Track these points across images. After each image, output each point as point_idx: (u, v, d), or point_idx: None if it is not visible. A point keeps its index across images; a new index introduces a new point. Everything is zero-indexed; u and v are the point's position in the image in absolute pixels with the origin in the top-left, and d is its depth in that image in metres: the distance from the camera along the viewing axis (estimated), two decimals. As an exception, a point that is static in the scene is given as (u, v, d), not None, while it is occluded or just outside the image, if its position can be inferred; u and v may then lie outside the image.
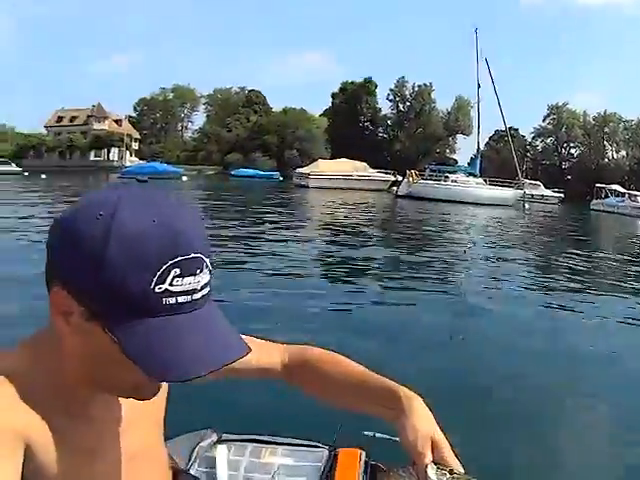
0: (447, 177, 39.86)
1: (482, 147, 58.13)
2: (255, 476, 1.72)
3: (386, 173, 49.43)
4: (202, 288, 0.82)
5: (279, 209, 22.10)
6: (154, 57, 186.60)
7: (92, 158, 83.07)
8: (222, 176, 66.96)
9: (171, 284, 0.77)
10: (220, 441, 1.84)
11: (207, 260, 0.82)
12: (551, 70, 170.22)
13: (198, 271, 0.80)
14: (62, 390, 0.90)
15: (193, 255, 0.79)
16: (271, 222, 16.98)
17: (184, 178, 51.87)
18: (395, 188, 41.36)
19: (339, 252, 11.96)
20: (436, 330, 5.86)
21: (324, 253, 11.87)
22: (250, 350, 0.86)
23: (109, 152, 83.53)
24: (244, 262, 10.24)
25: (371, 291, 8.14)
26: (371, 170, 49.98)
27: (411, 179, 39.27)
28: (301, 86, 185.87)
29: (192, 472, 1.70)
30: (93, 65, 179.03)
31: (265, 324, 5.59)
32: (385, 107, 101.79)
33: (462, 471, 0.98)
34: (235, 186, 40.97)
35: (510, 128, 54.88)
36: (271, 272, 9.28)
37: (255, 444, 1.85)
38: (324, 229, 16.35)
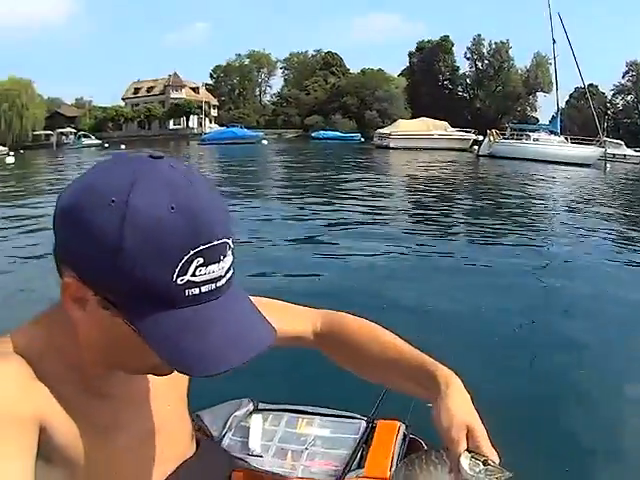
0: (528, 136, 38.72)
1: (562, 105, 55.68)
2: (290, 446, 1.67)
3: (467, 132, 48.41)
4: (226, 273, 0.76)
5: (360, 169, 21.92)
6: (227, 25, 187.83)
7: (171, 127, 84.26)
8: (303, 139, 67.19)
9: (194, 274, 0.71)
10: (256, 410, 1.81)
11: (230, 241, 0.76)
12: (627, 25, 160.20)
13: (222, 257, 0.74)
14: (78, 369, 0.87)
15: (216, 242, 0.73)
16: (353, 181, 16.87)
17: (264, 142, 52.37)
18: (476, 147, 40.50)
19: (422, 208, 11.81)
20: (518, 290, 5.50)
21: (407, 210, 11.72)
22: (276, 333, 0.81)
23: (188, 120, 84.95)
24: (330, 216, 10.36)
25: (454, 246, 7.89)
26: (451, 129, 49.00)
27: (492, 138, 38.28)
28: (376, 47, 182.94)
29: (226, 441, 1.68)
30: (167, 36, 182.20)
31: (348, 274, 5.65)
32: (463, 66, 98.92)
33: (497, 461, 0.93)
34: (316, 148, 41.01)
35: (589, 85, 52.16)
36: (356, 226, 9.27)
37: (291, 414, 1.80)
38: (406, 188, 16.16)
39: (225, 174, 21.18)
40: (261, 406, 1.83)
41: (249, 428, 1.72)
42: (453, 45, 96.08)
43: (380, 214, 11.03)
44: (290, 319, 1.27)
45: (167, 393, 1.04)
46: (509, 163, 29.54)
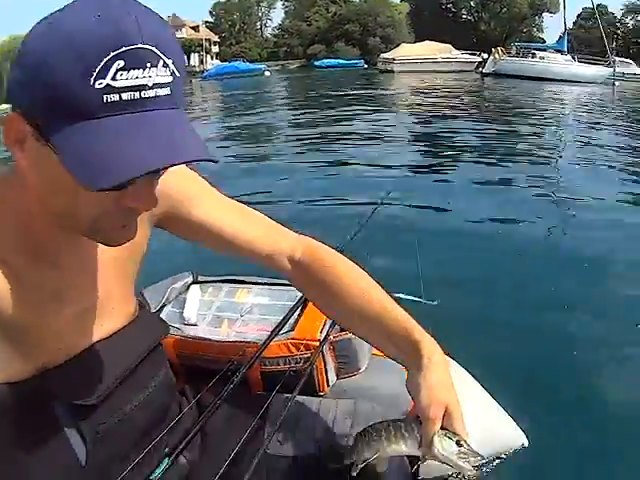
0: (534, 54, 37.61)
1: (570, 26, 53.59)
2: (226, 314, 1.65)
3: (472, 54, 47.20)
4: (155, 86, 0.69)
5: (365, 94, 21.43)
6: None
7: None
8: (306, 68, 65.83)
9: (114, 78, 0.66)
10: (195, 282, 1.78)
11: (165, 58, 0.69)
12: None
13: (149, 65, 0.68)
14: (29, 233, 0.83)
15: (141, 46, 0.67)
16: (357, 105, 16.54)
17: (267, 74, 51.27)
18: (481, 68, 39.53)
19: (426, 130, 11.53)
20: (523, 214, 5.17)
21: (412, 132, 11.42)
22: (214, 160, 0.73)
23: (189, 58, 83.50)
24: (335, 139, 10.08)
25: (459, 172, 7.58)
26: (456, 52, 47.71)
27: (497, 55, 37.13)
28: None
29: (164, 313, 1.66)
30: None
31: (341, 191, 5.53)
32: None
33: (471, 444, 0.94)
34: (319, 76, 40.15)
35: (598, 5, 50.09)
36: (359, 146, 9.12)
37: (232, 285, 1.78)
38: (411, 110, 15.82)
39: (227, 104, 20.84)
40: (201, 278, 1.80)
41: (186, 300, 1.69)
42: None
43: (385, 132, 10.76)
44: (266, 232, 1.17)
45: (115, 269, 1.00)
46: (515, 83, 28.75)
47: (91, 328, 0.96)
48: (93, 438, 0.93)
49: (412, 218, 4.39)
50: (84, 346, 0.94)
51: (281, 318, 1.51)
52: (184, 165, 1.06)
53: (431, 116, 13.67)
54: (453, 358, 1.72)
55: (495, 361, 2.32)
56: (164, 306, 1.68)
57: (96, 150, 0.67)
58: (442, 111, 14.73)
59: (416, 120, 13.39)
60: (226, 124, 13.64)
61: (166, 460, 1.01)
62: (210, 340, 1.50)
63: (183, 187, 1.08)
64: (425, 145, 9.85)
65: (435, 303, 2.24)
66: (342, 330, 1.51)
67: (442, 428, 0.95)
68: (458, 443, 0.93)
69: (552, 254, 3.89)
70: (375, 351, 1.63)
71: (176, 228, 1.11)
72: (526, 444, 1.72)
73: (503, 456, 1.71)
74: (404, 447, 0.97)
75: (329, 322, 1.52)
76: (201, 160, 0.72)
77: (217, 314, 1.64)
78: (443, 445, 0.93)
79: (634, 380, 2.35)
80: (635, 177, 6.85)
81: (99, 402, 0.93)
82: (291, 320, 1.53)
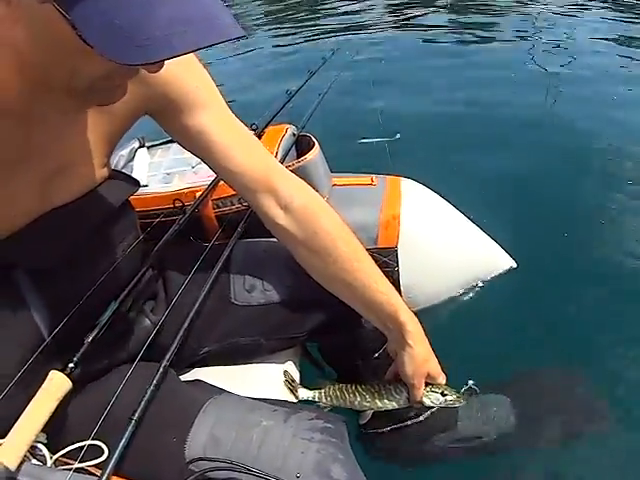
0: None
1: None
2: (176, 169, 1.56)
3: None
4: None
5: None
6: None
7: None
8: None
9: None
10: (142, 147, 1.68)
11: None
12: None
13: None
14: None
15: None
16: None
17: None
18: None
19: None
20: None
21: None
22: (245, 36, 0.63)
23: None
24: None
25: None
26: None
27: None
28: None
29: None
30: None
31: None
32: None
33: (453, 392, 1.11)
34: None
35: None
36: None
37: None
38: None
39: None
40: (148, 144, 1.70)
41: (134, 165, 1.60)
42: None
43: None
44: (264, 168, 1.03)
45: (92, 134, 0.90)
46: None
47: (57, 193, 0.87)
48: (55, 305, 0.86)
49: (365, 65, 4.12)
50: (45, 210, 0.85)
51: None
52: (197, 60, 0.98)
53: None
54: (430, 188, 1.66)
55: (473, 185, 2.26)
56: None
57: (122, 14, 0.56)
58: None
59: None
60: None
61: (112, 303, 0.95)
62: (160, 192, 1.42)
63: (193, 88, 0.96)
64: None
65: (397, 137, 2.16)
66: (298, 157, 1.43)
67: (426, 384, 1.09)
68: (443, 394, 1.10)
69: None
70: (335, 180, 1.56)
71: (167, 125, 1.00)
72: (514, 266, 1.67)
73: (491, 279, 1.67)
74: (396, 405, 1.13)
75: (282, 148, 1.44)
76: (239, 38, 0.62)
77: (167, 172, 1.55)
78: (431, 399, 1.10)
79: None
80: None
81: (61, 268, 0.86)
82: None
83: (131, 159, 1.64)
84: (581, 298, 1.71)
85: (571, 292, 1.74)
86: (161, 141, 1.70)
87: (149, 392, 0.82)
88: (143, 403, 0.80)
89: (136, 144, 1.67)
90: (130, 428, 0.78)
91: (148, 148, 1.67)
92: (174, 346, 0.91)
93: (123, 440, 0.76)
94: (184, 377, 1.12)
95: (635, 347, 1.52)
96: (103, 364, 0.99)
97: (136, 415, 0.78)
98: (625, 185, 2.28)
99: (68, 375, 0.80)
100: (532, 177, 2.39)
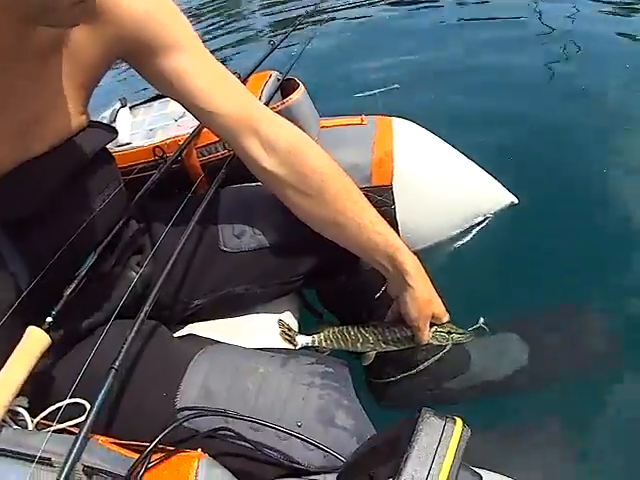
0: None
1: None
2: (159, 125, 1.51)
3: None
4: None
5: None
6: None
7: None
8: None
9: None
10: (124, 107, 1.62)
11: None
12: None
13: None
14: None
15: None
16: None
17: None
18: None
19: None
20: None
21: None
22: None
23: None
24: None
25: None
26: None
27: None
28: None
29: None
30: None
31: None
32: None
33: (460, 331, 1.08)
34: None
35: None
36: None
37: (163, 99, 1.62)
38: None
39: None
40: (131, 104, 1.65)
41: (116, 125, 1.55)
42: None
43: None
44: (245, 106, 0.97)
45: (68, 82, 0.85)
46: None
47: (32, 143, 0.83)
48: (33, 258, 0.82)
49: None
50: (21, 160, 0.81)
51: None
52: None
53: None
54: (430, 130, 1.59)
55: (473, 129, 2.19)
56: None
57: None
58: None
59: None
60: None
61: (92, 254, 0.90)
62: (142, 146, 1.38)
63: (166, 28, 0.90)
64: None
65: (395, 86, 2.08)
66: (284, 97, 1.38)
67: (432, 324, 1.04)
68: (449, 332, 1.07)
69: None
70: (323, 123, 1.51)
71: (142, 69, 0.94)
72: (515, 201, 1.61)
73: (493, 215, 1.61)
74: (401, 346, 1.08)
75: (266, 94, 1.38)
76: None
77: (150, 128, 1.50)
78: (439, 339, 1.07)
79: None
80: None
81: (37, 219, 0.82)
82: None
83: (113, 120, 1.58)
84: (590, 234, 1.64)
85: (578, 228, 1.67)
86: (142, 100, 1.65)
87: (129, 339, 0.74)
88: (124, 351, 0.72)
89: (118, 105, 1.62)
90: (110, 378, 0.68)
91: (130, 108, 1.61)
92: (154, 293, 0.83)
93: (102, 392, 0.66)
94: (178, 334, 1.09)
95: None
96: (89, 321, 0.95)
97: (117, 364, 0.70)
98: (630, 125, 2.19)
99: (47, 331, 0.75)
100: (533, 120, 2.30)
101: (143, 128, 1.51)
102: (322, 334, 1.11)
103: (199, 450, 0.72)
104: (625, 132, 2.14)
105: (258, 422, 0.78)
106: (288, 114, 1.32)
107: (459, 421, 0.50)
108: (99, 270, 0.93)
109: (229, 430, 0.78)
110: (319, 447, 0.78)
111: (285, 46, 1.76)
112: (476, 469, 0.54)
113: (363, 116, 1.51)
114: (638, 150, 2.02)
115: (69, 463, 0.57)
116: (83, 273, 0.87)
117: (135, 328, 0.75)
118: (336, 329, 1.11)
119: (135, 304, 0.85)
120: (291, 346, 1.10)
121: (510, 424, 1.21)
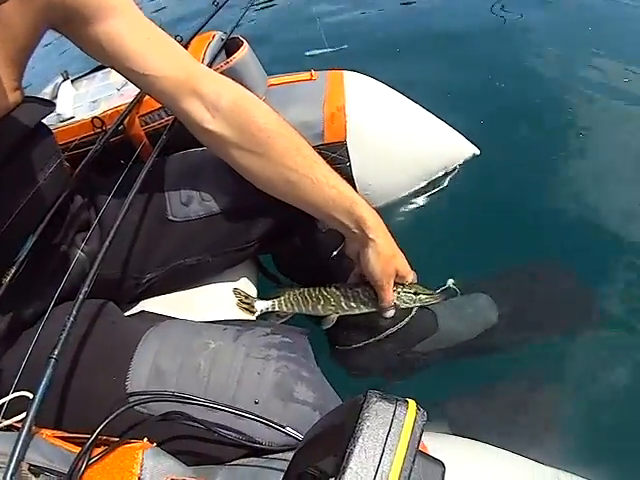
0: None
1: None
2: (102, 96, 1.44)
3: None
4: None
5: None
6: None
7: None
8: None
9: None
10: (66, 80, 1.55)
11: None
12: None
13: None
14: None
15: None
16: None
17: None
18: None
19: None
20: None
21: None
22: None
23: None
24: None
25: None
26: None
27: None
28: None
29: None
30: None
31: None
32: None
33: (428, 291, 1.03)
34: None
35: None
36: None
37: (106, 69, 1.55)
38: None
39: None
40: (72, 77, 1.58)
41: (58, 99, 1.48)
42: None
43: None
44: (185, 68, 0.92)
45: None
46: None
47: None
48: None
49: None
50: None
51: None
52: None
53: None
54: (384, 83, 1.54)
55: (429, 81, 2.10)
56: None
57: None
58: None
59: None
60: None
61: (30, 237, 0.85)
62: (84, 119, 1.32)
63: None
64: None
65: (345, 47, 2.02)
66: (228, 56, 1.33)
67: (396, 284, 1.00)
68: (416, 293, 1.02)
69: None
70: (271, 81, 1.46)
71: (76, 38, 0.89)
72: (477, 152, 1.57)
73: (454, 168, 1.57)
74: (364, 308, 1.04)
75: (209, 54, 1.33)
76: None
77: (93, 100, 1.44)
78: (405, 300, 1.01)
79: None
80: None
81: None
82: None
83: (55, 95, 1.52)
84: (558, 185, 1.61)
85: (546, 179, 1.63)
86: (85, 72, 1.58)
87: (69, 324, 0.68)
88: (63, 337, 0.66)
89: (59, 79, 1.55)
90: (50, 369, 0.63)
91: (73, 81, 1.55)
92: (93, 270, 0.76)
93: (42, 384, 0.61)
94: (130, 312, 1.04)
95: (616, 236, 1.43)
96: (35, 307, 0.90)
97: (55, 352, 0.64)
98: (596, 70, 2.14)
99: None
100: (494, 70, 2.23)
101: (86, 100, 1.44)
102: (282, 297, 1.07)
103: (145, 439, 0.67)
104: (590, 78, 2.09)
105: (212, 406, 0.74)
106: (233, 74, 1.27)
107: (412, 403, 0.42)
108: (42, 250, 0.89)
109: (182, 413, 0.74)
110: (275, 428, 0.74)
111: (230, 6, 1.68)
112: (443, 436, 0.50)
113: (313, 71, 1.46)
114: (603, 95, 1.99)
115: (13, 463, 0.53)
116: (23, 256, 0.82)
117: (74, 311, 0.69)
118: (297, 291, 1.07)
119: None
120: (250, 316, 1.07)
121: (481, 386, 1.19)
